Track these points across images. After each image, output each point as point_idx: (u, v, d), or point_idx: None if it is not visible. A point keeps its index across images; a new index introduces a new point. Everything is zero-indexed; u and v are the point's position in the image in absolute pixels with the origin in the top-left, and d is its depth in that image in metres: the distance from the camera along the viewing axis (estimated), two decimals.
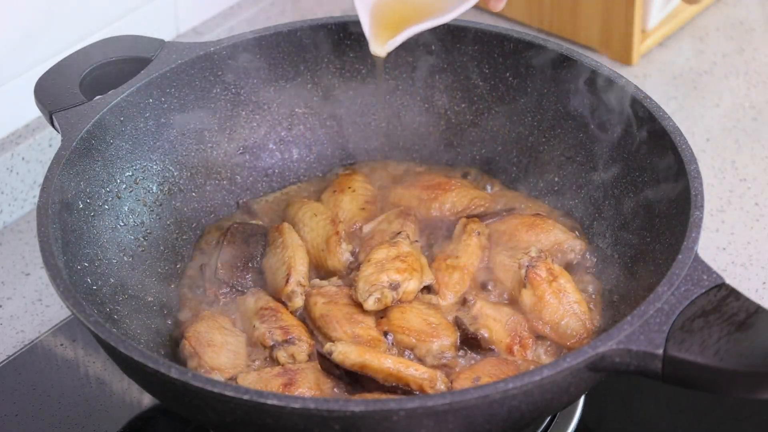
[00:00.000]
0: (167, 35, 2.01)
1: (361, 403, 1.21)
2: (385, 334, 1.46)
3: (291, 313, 1.50)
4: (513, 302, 1.50)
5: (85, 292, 1.43)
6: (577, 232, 1.59)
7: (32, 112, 1.76)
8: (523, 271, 1.48)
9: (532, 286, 1.48)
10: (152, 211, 1.60)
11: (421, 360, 1.44)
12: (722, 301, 1.28)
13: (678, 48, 2.09)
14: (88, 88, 1.59)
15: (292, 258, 1.54)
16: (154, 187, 1.61)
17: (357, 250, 1.58)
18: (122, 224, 1.56)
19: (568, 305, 1.47)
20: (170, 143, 1.63)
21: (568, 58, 1.60)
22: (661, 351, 1.25)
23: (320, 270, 1.57)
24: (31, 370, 1.59)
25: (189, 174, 1.65)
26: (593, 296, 1.52)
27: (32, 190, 1.82)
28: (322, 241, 1.57)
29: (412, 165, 1.72)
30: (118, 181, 1.57)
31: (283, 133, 1.71)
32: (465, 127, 1.70)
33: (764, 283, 1.68)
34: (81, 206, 1.50)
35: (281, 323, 1.47)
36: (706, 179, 1.80)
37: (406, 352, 1.46)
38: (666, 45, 2.09)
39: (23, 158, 1.80)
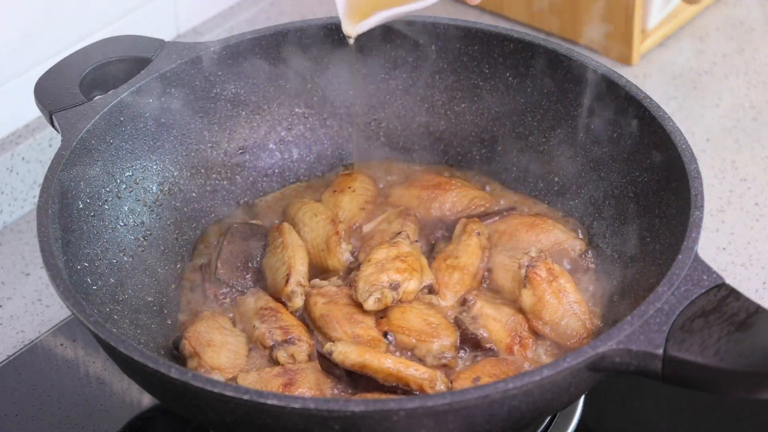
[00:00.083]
0: (167, 35, 2.01)
1: (361, 403, 1.21)
2: (385, 334, 1.47)
3: (291, 313, 1.50)
4: (513, 302, 1.50)
5: (85, 292, 1.43)
6: (577, 232, 1.59)
7: (32, 112, 1.76)
8: (523, 271, 1.48)
9: (532, 286, 1.48)
10: (152, 211, 1.60)
11: (421, 360, 1.44)
12: (722, 301, 1.28)
13: (678, 48, 2.09)
14: (88, 88, 1.59)
15: (292, 258, 1.54)
16: (154, 187, 1.61)
17: (357, 250, 1.58)
18: (122, 224, 1.56)
19: (568, 305, 1.47)
20: (170, 143, 1.63)
21: (568, 58, 1.60)
22: (661, 351, 1.25)
23: (320, 270, 1.57)
24: (31, 370, 1.59)
25: (189, 174, 1.65)
26: (593, 296, 1.52)
27: (32, 190, 1.82)
28: (322, 241, 1.57)
29: (412, 165, 1.72)
30: (118, 181, 1.57)
31: (283, 133, 1.71)
32: (465, 127, 1.70)
33: (764, 283, 1.68)
34: (81, 206, 1.50)
35: (281, 323, 1.47)
36: (706, 179, 1.80)
37: (403, 352, 1.46)
38: (666, 45, 2.09)
39: (23, 158, 1.80)
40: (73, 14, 1.84)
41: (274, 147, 1.71)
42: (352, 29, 1.55)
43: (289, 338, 1.45)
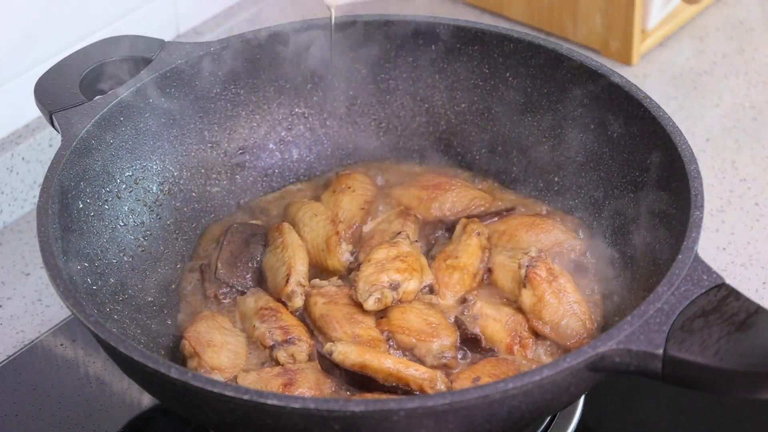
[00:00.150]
0: (167, 35, 2.01)
1: (361, 403, 1.21)
2: (386, 334, 1.47)
3: (291, 313, 1.50)
4: (513, 302, 1.50)
5: (85, 292, 1.43)
6: (577, 232, 1.59)
7: (32, 112, 1.76)
8: (523, 271, 1.48)
9: (532, 286, 1.48)
10: (152, 211, 1.60)
11: (421, 360, 1.44)
12: (722, 301, 1.28)
13: (678, 48, 2.09)
14: (88, 88, 1.59)
15: (292, 258, 1.54)
16: (154, 187, 1.61)
17: (357, 250, 1.58)
18: (122, 224, 1.56)
19: (568, 305, 1.47)
20: (170, 143, 1.63)
21: (568, 58, 1.60)
22: (661, 351, 1.25)
23: (320, 270, 1.57)
24: (31, 370, 1.59)
25: (189, 174, 1.65)
26: (593, 296, 1.51)
27: (32, 190, 1.82)
28: (322, 241, 1.57)
29: (412, 165, 1.72)
30: (118, 181, 1.57)
31: (283, 133, 1.71)
32: (465, 127, 1.70)
33: (764, 283, 1.68)
34: (81, 206, 1.50)
35: (281, 323, 1.47)
36: (706, 179, 1.80)
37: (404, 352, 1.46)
38: (666, 45, 2.10)
39: (23, 158, 1.80)
40: (73, 14, 1.84)
41: (274, 147, 1.71)
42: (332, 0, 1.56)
43: (289, 338, 1.45)
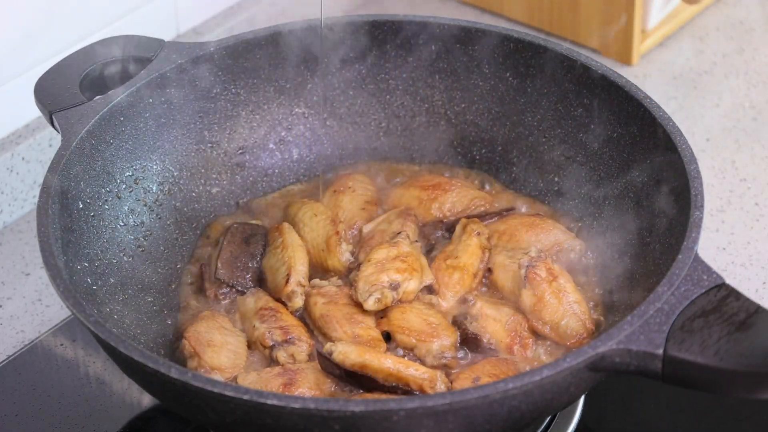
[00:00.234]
0: (167, 35, 2.01)
1: (361, 403, 1.21)
2: (385, 334, 1.47)
3: (291, 313, 1.50)
4: (513, 302, 1.50)
5: (85, 292, 1.43)
6: (578, 232, 1.59)
7: (32, 112, 1.76)
8: (523, 271, 1.48)
9: (532, 286, 1.48)
10: (152, 211, 1.60)
11: (421, 360, 1.44)
12: (722, 301, 1.28)
13: (678, 48, 2.09)
14: (88, 88, 1.59)
15: (292, 258, 1.54)
16: (154, 187, 1.61)
17: (357, 250, 1.58)
18: (122, 224, 1.56)
19: (568, 305, 1.47)
20: (170, 143, 1.63)
21: (568, 58, 1.60)
22: (661, 351, 1.25)
23: (320, 270, 1.57)
24: (31, 370, 1.59)
25: (189, 174, 1.65)
26: (593, 296, 1.51)
27: (32, 190, 1.82)
28: (322, 241, 1.57)
29: (412, 165, 1.72)
30: (118, 181, 1.57)
31: (283, 133, 1.71)
32: (465, 127, 1.70)
33: (764, 283, 1.68)
34: (81, 206, 1.50)
35: (281, 323, 1.47)
36: (706, 179, 1.80)
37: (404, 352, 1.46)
38: (666, 45, 2.10)
39: (23, 158, 1.80)
40: (73, 14, 1.84)
41: (274, 147, 1.71)
42: None
43: (289, 338, 1.45)
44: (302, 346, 1.45)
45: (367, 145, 1.72)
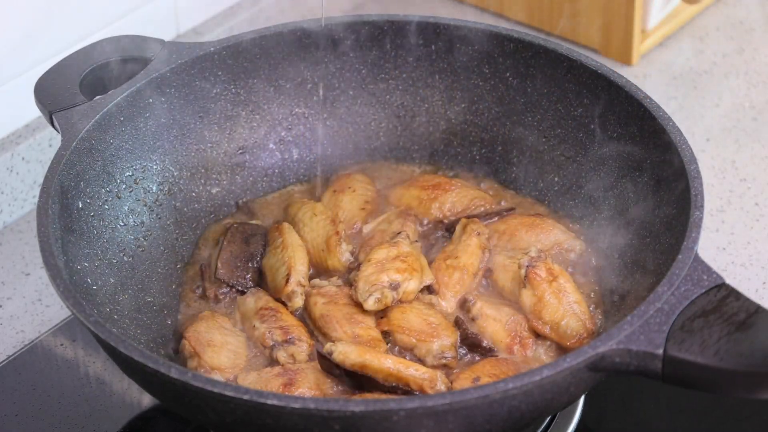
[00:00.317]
0: (167, 35, 2.01)
1: (361, 403, 1.21)
2: (385, 334, 1.47)
3: (291, 313, 1.50)
4: (513, 302, 1.50)
5: (85, 292, 1.43)
6: (578, 232, 1.59)
7: (32, 112, 1.76)
8: (523, 271, 1.48)
9: (532, 286, 1.48)
10: (152, 211, 1.60)
11: (421, 360, 1.44)
12: (722, 301, 1.28)
13: (678, 48, 2.09)
14: (88, 88, 1.59)
15: (292, 258, 1.54)
16: (154, 187, 1.61)
17: (357, 250, 1.58)
18: (122, 224, 1.56)
19: (568, 305, 1.47)
20: (170, 143, 1.63)
21: (568, 58, 1.60)
22: (661, 351, 1.25)
23: (320, 270, 1.57)
24: (31, 370, 1.59)
25: (189, 174, 1.65)
26: (593, 296, 1.52)
27: (32, 190, 1.82)
28: (322, 241, 1.57)
29: (412, 165, 1.72)
30: (118, 181, 1.57)
31: (283, 133, 1.71)
32: (465, 127, 1.70)
33: (764, 283, 1.68)
34: (81, 206, 1.50)
35: (281, 323, 1.47)
36: (706, 179, 1.80)
37: (404, 352, 1.46)
38: (666, 45, 2.10)
39: (23, 158, 1.80)
40: (73, 14, 1.84)
41: (274, 147, 1.71)
42: None
43: (289, 338, 1.45)
44: (302, 346, 1.45)
45: (367, 145, 1.72)
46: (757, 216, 1.78)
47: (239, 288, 1.54)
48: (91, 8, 1.86)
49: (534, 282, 1.48)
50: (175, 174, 1.63)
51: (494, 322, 1.47)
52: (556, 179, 1.64)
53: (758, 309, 1.27)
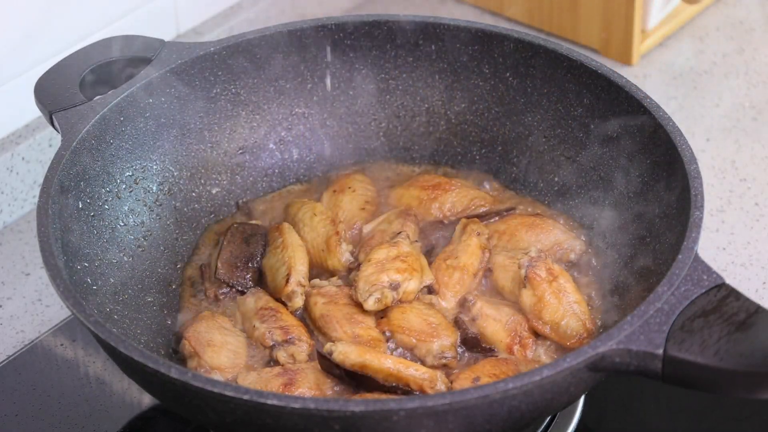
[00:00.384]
0: (167, 35, 2.01)
1: (361, 403, 1.21)
2: (386, 334, 1.47)
3: (291, 313, 1.50)
4: (513, 302, 1.50)
5: (85, 292, 1.43)
6: (577, 232, 1.59)
7: (32, 112, 1.76)
8: (523, 271, 1.48)
9: (532, 286, 1.48)
10: (152, 211, 1.60)
11: (421, 360, 1.44)
12: (722, 301, 1.28)
13: (678, 48, 2.09)
14: (88, 88, 1.59)
15: (292, 258, 1.54)
16: (154, 187, 1.61)
17: (357, 250, 1.58)
18: (122, 224, 1.56)
19: (568, 305, 1.47)
20: (170, 143, 1.63)
21: (568, 58, 1.60)
22: (661, 351, 1.25)
23: (320, 270, 1.57)
24: (31, 370, 1.59)
25: (189, 174, 1.65)
26: (593, 296, 1.51)
27: (32, 190, 1.82)
28: (322, 241, 1.57)
29: (412, 165, 1.72)
30: (118, 181, 1.57)
31: (283, 133, 1.71)
32: (465, 127, 1.70)
33: (764, 283, 1.68)
34: (81, 206, 1.50)
35: (281, 323, 1.47)
36: (706, 179, 1.80)
37: (404, 352, 1.46)
38: (666, 45, 2.09)
39: (23, 158, 1.80)
40: (73, 14, 1.84)
41: (274, 147, 1.71)
42: None
43: (289, 338, 1.45)
44: (302, 346, 1.45)
45: (367, 145, 1.72)
46: (757, 216, 1.78)
47: (239, 288, 1.54)
48: (91, 8, 1.86)
49: (534, 282, 1.48)
50: (175, 174, 1.63)
51: (494, 322, 1.47)
52: (556, 179, 1.64)
53: (758, 309, 1.27)
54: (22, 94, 1.75)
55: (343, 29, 1.67)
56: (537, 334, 1.47)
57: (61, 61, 1.61)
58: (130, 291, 1.51)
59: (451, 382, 1.40)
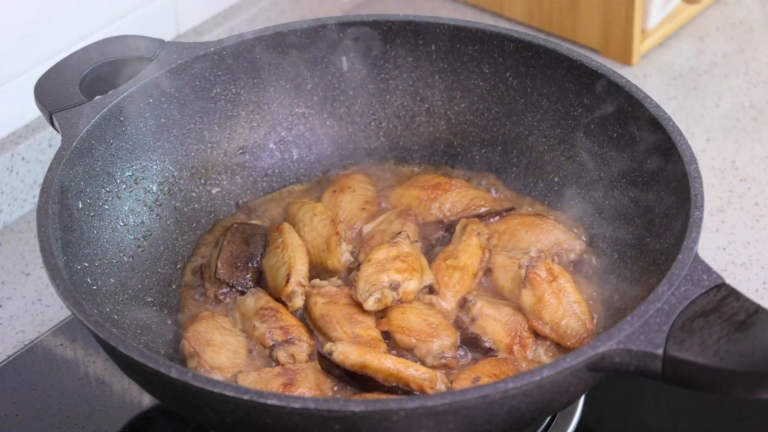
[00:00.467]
0: (167, 35, 2.01)
1: (361, 403, 1.21)
2: (385, 334, 1.47)
3: (291, 313, 1.50)
4: (513, 302, 1.50)
5: (85, 292, 1.43)
6: (577, 232, 1.59)
7: (32, 112, 1.76)
8: (523, 271, 1.48)
9: (532, 286, 1.48)
10: (152, 211, 1.60)
11: (421, 360, 1.44)
12: (722, 301, 1.28)
13: (678, 48, 2.09)
14: (88, 88, 1.59)
15: (292, 258, 1.54)
16: (154, 187, 1.61)
17: (357, 250, 1.58)
18: (122, 224, 1.56)
19: (568, 305, 1.47)
20: (170, 143, 1.63)
21: (568, 58, 1.60)
22: (661, 351, 1.25)
23: (320, 270, 1.57)
24: (31, 370, 1.59)
25: (189, 174, 1.65)
26: (593, 296, 1.51)
27: (32, 190, 1.82)
28: (322, 241, 1.57)
29: (412, 165, 1.72)
30: (118, 181, 1.57)
31: (283, 133, 1.71)
32: (465, 127, 1.70)
33: (764, 283, 1.68)
34: (81, 206, 1.50)
35: (281, 323, 1.47)
36: (706, 179, 1.80)
37: (404, 352, 1.46)
38: (666, 45, 2.09)
39: (23, 158, 1.80)
40: (73, 14, 1.84)
41: (274, 147, 1.71)
42: None
43: (289, 338, 1.45)
44: (302, 346, 1.45)
45: (367, 145, 1.72)
46: (757, 216, 1.78)
47: (239, 288, 1.54)
48: (91, 8, 1.86)
49: (534, 282, 1.48)
50: (175, 174, 1.63)
51: (494, 322, 1.47)
52: (556, 179, 1.64)
53: (758, 309, 1.27)
54: (22, 94, 1.75)
55: (343, 29, 1.67)
56: (537, 334, 1.47)
57: (61, 61, 1.61)
58: (130, 291, 1.51)
59: (451, 382, 1.40)
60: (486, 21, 2.11)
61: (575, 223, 1.60)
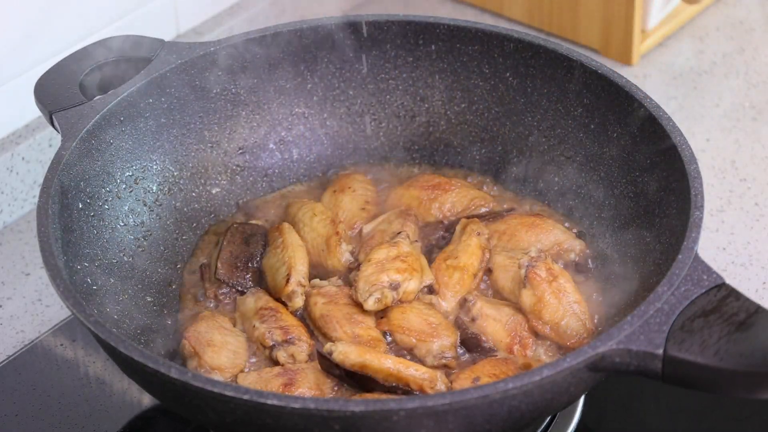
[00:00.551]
0: (167, 35, 2.01)
1: (361, 403, 1.21)
2: (385, 334, 1.47)
3: (291, 313, 1.50)
4: (513, 302, 1.50)
5: (85, 292, 1.43)
6: (577, 232, 1.59)
7: (32, 112, 1.76)
8: (523, 271, 1.48)
9: (532, 286, 1.48)
10: (152, 211, 1.60)
11: (421, 360, 1.44)
12: (722, 301, 1.28)
13: (678, 48, 2.09)
14: (88, 88, 1.59)
15: (292, 258, 1.54)
16: (154, 187, 1.61)
17: (357, 250, 1.58)
18: (122, 224, 1.56)
19: (568, 305, 1.47)
20: (170, 143, 1.63)
21: (568, 58, 1.60)
22: (661, 351, 1.25)
23: (320, 270, 1.57)
24: (31, 370, 1.59)
25: (189, 174, 1.65)
26: (593, 296, 1.51)
27: (32, 190, 1.82)
28: (322, 241, 1.57)
29: (412, 165, 1.72)
30: (118, 181, 1.57)
31: (283, 133, 1.71)
32: (465, 127, 1.70)
33: (764, 283, 1.68)
34: (81, 206, 1.50)
35: (281, 323, 1.47)
36: (706, 179, 1.80)
37: (404, 352, 1.46)
38: (666, 45, 2.09)
39: (23, 158, 1.80)
40: (73, 14, 1.84)
41: (274, 147, 1.71)
42: None
43: (289, 338, 1.45)
44: (302, 346, 1.45)
45: (367, 145, 1.72)
46: (757, 216, 1.78)
47: (239, 288, 1.54)
48: (91, 8, 1.86)
49: (534, 282, 1.48)
50: (175, 174, 1.63)
51: (494, 322, 1.47)
52: (556, 179, 1.64)
53: (758, 309, 1.27)
54: (22, 94, 1.75)
55: (342, 29, 1.67)
56: (537, 334, 1.47)
57: (61, 61, 1.61)
58: (130, 291, 1.51)
59: (451, 382, 1.40)
60: (486, 21, 2.11)
61: (575, 223, 1.60)
